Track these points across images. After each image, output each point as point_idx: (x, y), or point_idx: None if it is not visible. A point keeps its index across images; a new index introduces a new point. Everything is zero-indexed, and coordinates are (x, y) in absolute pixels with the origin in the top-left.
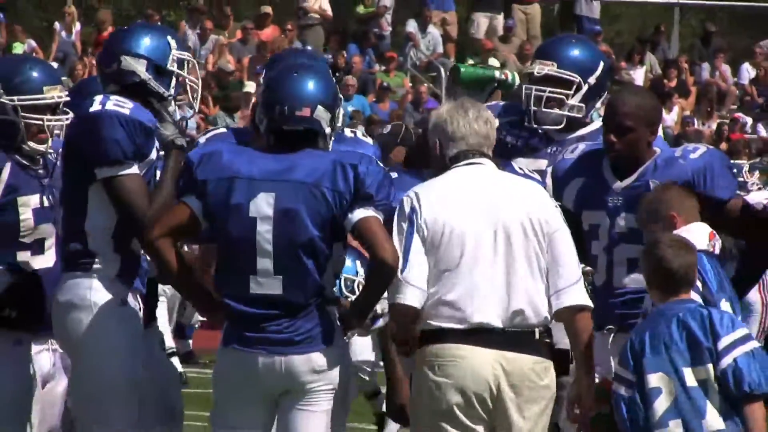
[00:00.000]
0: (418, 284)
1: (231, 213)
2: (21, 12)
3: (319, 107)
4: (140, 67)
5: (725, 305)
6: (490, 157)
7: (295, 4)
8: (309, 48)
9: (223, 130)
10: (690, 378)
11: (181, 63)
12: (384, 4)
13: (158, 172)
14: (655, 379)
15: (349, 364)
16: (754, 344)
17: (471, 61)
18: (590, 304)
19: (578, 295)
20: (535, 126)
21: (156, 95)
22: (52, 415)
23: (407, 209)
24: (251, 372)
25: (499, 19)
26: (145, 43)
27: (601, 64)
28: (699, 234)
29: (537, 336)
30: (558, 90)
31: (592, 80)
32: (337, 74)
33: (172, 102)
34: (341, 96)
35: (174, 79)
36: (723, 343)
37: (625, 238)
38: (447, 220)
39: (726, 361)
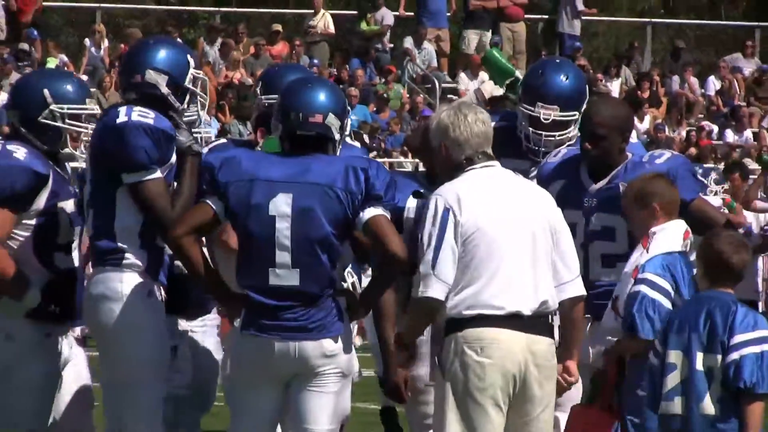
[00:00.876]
0: (446, 280)
1: (252, 212)
2: (53, 29)
3: (331, 115)
4: (162, 81)
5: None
6: (493, 156)
7: (303, 23)
8: (315, 62)
9: (224, 141)
10: (699, 362)
11: (195, 80)
12: (387, 23)
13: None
14: (673, 356)
15: (352, 350)
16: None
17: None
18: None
19: (579, 288)
20: (536, 156)
21: (171, 107)
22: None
23: (440, 209)
24: (267, 356)
25: (488, 36)
26: (169, 59)
27: (586, 87)
28: (675, 234)
29: (547, 321)
30: (564, 132)
31: (583, 107)
32: None
33: (198, 112)
34: (349, 107)
35: (188, 94)
36: (736, 339)
37: (599, 235)
38: (482, 220)
39: (733, 356)
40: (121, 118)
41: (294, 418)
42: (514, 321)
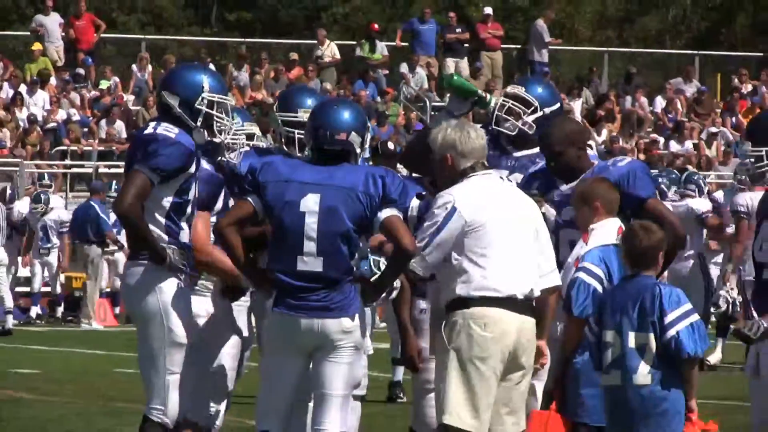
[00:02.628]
0: (432, 261)
1: (285, 207)
2: (105, 57)
3: (353, 133)
4: (174, 103)
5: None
6: (488, 165)
7: (314, 52)
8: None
9: (248, 149)
10: (632, 341)
11: (211, 103)
12: (386, 54)
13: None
14: (609, 335)
15: (366, 328)
16: (695, 317)
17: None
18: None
19: (556, 278)
20: (494, 128)
21: (186, 125)
22: None
23: (449, 206)
24: (294, 330)
25: (464, 63)
26: (181, 83)
27: (558, 104)
28: (610, 229)
29: (533, 303)
30: (519, 105)
31: (547, 110)
32: None
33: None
34: (369, 125)
35: (202, 114)
36: (669, 317)
37: (567, 225)
38: (485, 218)
39: (671, 333)
40: (149, 130)
41: (314, 384)
42: (510, 303)
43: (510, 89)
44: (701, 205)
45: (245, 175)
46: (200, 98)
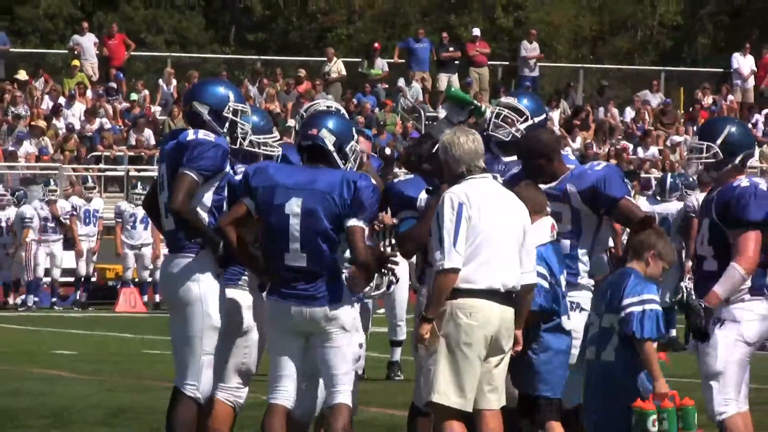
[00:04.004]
0: (462, 253)
1: (273, 210)
2: (135, 72)
3: (324, 130)
4: (204, 111)
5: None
6: (486, 168)
7: (323, 67)
8: (330, 97)
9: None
10: (605, 321)
11: (236, 111)
12: (386, 70)
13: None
14: (592, 316)
15: (355, 314)
16: (651, 306)
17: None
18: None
19: (534, 277)
20: (489, 133)
21: (215, 131)
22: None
23: (456, 203)
24: (286, 316)
25: (455, 77)
26: (210, 94)
27: (544, 115)
28: (543, 227)
29: (513, 296)
30: (513, 114)
31: (536, 120)
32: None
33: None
34: (355, 134)
35: (228, 122)
36: (625, 301)
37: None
38: (481, 216)
39: (622, 314)
40: (191, 136)
41: (320, 368)
42: (493, 294)
43: (504, 99)
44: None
45: (240, 179)
46: (227, 107)
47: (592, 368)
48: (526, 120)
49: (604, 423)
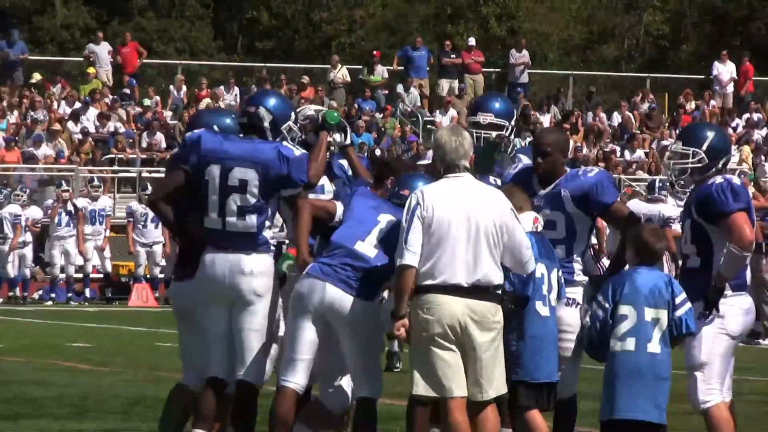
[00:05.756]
0: (415, 250)
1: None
2: (147, 79)
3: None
4: (267, 119)
5: (554, 273)
6: (468, 168)
7: (327, 74)
8: (332, 103)
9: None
10: (648, 314)
11: (290, 130)
12: (386, 76)
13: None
14: (624, 309)
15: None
16: (689, 304)
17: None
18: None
19: (532, 265)
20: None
21: (265, 139)
22: None
23: (413, 202)
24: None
25: (455, 83)
26: (278, 107)
27: (515, 111)
28: (526, 219)
29: (491, 290)
30: (497, 133)
31: (512, 122)
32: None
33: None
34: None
35: (281, 136)
36: (679, 299)
37: (545, 225)
38: (440, 213)
39: (681, 311)
40: (296, 152)
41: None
42: (455, 289)
43: (482, 120)
44: (671, 210)
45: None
46: (286, 125)
47: (633, 360)
48: (507, 128)
49: (638, 407)
